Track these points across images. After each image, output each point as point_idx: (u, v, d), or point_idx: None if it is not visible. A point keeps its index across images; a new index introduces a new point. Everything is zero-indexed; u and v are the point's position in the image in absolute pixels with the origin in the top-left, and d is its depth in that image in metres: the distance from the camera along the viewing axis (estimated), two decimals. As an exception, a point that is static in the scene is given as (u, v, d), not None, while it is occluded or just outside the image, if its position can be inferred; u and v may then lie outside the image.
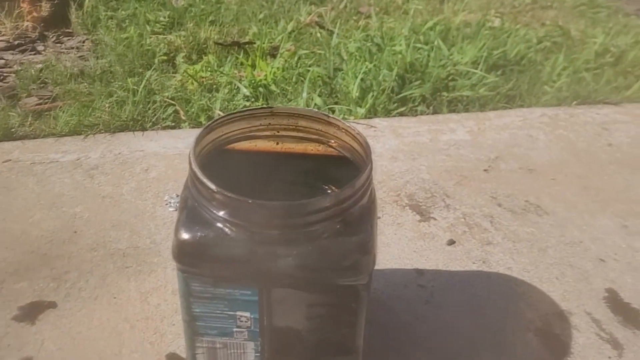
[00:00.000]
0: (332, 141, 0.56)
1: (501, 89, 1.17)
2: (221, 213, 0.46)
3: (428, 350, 0.62)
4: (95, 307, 0.66)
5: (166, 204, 0.82)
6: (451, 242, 0.76)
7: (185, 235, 0.47)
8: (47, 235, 0.77)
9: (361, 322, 0.52)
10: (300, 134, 0.57)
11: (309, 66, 1.22)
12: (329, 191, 0.57)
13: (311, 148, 0.58)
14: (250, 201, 0.44)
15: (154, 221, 0.79)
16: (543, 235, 0.79)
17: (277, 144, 0.58)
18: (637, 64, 1.32)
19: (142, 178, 0.87)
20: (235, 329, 0.52)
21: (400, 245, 0.76)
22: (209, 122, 0.54)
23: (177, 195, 0.84)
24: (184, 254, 0.48)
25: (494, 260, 0.75)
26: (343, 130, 0.54)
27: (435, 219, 0.82)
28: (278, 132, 0.57)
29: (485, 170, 0.93)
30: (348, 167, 0.55)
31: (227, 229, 0.47)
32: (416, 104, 1.12)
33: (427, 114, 1.10)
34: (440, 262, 0.74)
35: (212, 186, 0.46)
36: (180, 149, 0.96)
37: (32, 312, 0.66)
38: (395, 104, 1.11)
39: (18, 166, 0.89)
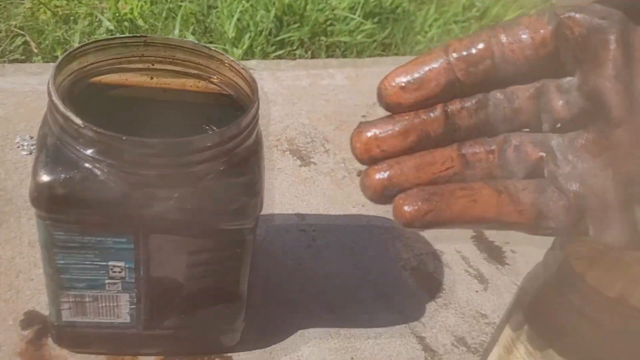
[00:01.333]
0: (214, 77, 0.52)
1: (377, 36, 1.17)
2: (89, 152, 0.41)
3: (310, 294, 0.62)
4: None
5: (18, 147, 0.73)
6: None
7: (46, 178, 0.41)
8: None
9: (246, 267, 0.50)
10: (178, 68, 0.52)
11: (181, 1, 1.14)
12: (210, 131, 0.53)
13: (190, 84, 0.53)
14: (124, 138, 0.39)
15: (4, 166, 0.70)
16: (418, 179, 0.82)
17: (152, 78, 0.52)
18: (499, 18, 1.39)
19: (-12, 117, 0.76)
20: (107, 281, 0.47)
21: (281, 190, 0.75)
22: (72, 49, 0.47)
23: (31, 138, 0.74)
24: (45, 199, 0.42)
25: (371, 204, 0.75)
26: (227, 65, 0.50)
27: (315, 164, 0.81)
28: (152, 64, 0.52)
29: (363, 116, 0.93)
30: (231, 106, 0.51)
31: (96, 170, 0.41)
32: (295, 47, 1.10)
33: (306, 58, 1.08)
34: (321, 207, 0.73)
35: (78, 121, 0.40)
36: (32, 85, 0.84)
37: None
38: (274, 47, 1.07)
39: None
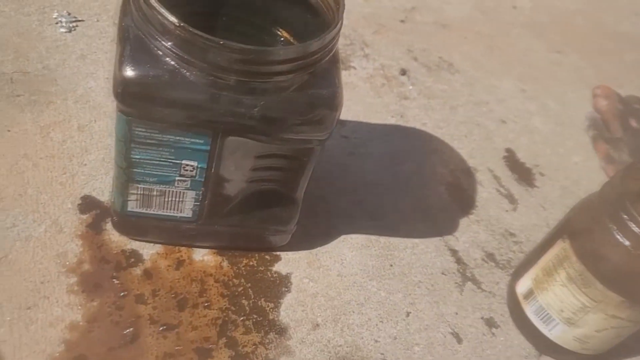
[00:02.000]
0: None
1: None
2: (179, 51, 0.40)
3: (353, 202, 0.64)
4: (-14, 140, 0.57)
5: (56, 24, 0.70)
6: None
7: (132, 73, 0.41)
8: None
9: (307, 176, 0.51)
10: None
11: None
12: (279, 35, 0.51)
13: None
14: (221, 42, 0.39)
15: (44, 42, 0.68)
16: (454, 93, 0.82)
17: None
18: None
19: (21, -14, 0.73)
20: (177, 178, 0.48)
21: (322, 94, 0.74)
22: None
23: (69, 14, 0.71)
24: (130, 95, 0.41)
25: (410, 115, 0.76)
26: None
27: (355, 68, 0.80)
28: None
29: (402, 20, 0.91)
30: (299, 6, 0.50)
31: (184, 70, 0.41)
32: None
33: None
34: (361, 114, 0.74)
35: (173, 19, 0.39)
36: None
37: None
38: None
39: None
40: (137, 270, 0.52)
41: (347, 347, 0.53)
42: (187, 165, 0.47)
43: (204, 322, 0.51)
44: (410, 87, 0.80)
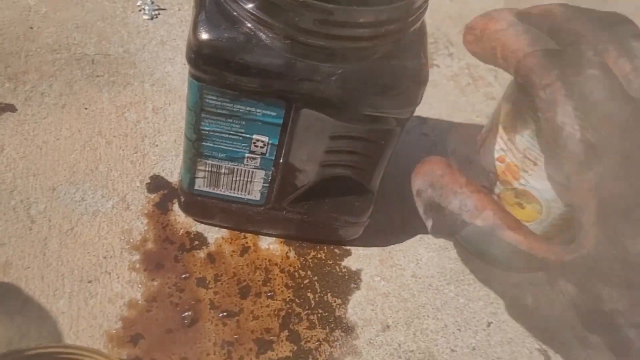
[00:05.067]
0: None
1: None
2: (258, 12, 0.38)
3: (430, 199, 0.59)
4: (63, 116, 0.57)
5: (139, 11, 0.71)
6: None
7: (206, 35, 0.39)
8: (-4, 26, 0.64)
9: (384, 162, 0.47)
10: None
11: None
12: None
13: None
14: (301, -1, 0.36)
15: (126, 28, 0.68)
16: (546, 97, 0.76)
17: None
18: None
19: (109, -24, 0.74)
20: (247, 154, 0.45)
21: (402, 90, 0.71)
22: None
23: (152, 2, 0.72)
24: (204, 58, 0.39)
25: (497, 116, 0.71)
26: None
27: (438, 67, 0.76)
28: None
29: (490, 22, 0.86)
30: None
31: (261, 33, 0.38)
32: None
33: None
34: (443, 112, 0.69)
35: (252, -26, 0.36)
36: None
37: (-15, 113, 0.56)
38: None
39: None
40: (201, 254, 0.50)
41: (419, 353, 0.48)
42: (258, 140, 0.44)
43: (266, 312, 0.47)
44: (498, 88, 0.74)
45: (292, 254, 0.52)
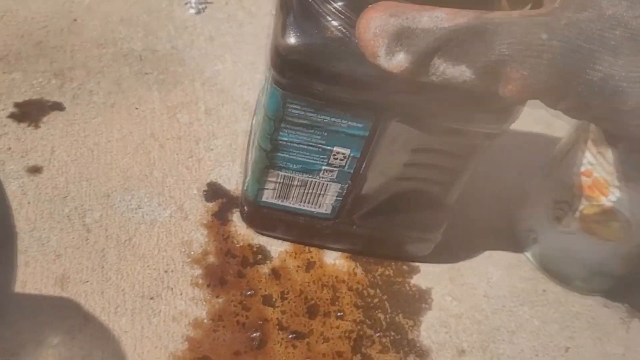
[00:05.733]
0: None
1: None
2: (351, 13, 0.34)
3: (499, 215, 0.56)
4: (113, 116, 0.54)
5: (185, 4, 0.67)
6: None
7: (296, 39, 0.35)
8: (39, 19, 0.61)
9: (465, 178, 0.44)
10: None
11: None
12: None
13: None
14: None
15: (173, 22, 0.65)
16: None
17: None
18: None
19: (153, -34, 0.70)
20: (324, 167, 0.42)
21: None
22: None
23: (199, -5, 0.69)
24: (292, 64, 0.36)
25: (558, 125, 0.68)
26: None
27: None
28: None
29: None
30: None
31: (355, 39, 0.35)
32: None
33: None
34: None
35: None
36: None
37: (33, 111, 0.53)
38: None
39: None
40: (265, 269, 0.47)
41: (497, 380, 0.45)
42: (339, 153, 0.41)
43: (336, 334, 0.45)
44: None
45: (359, 271, 0.49)
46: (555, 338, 0.48)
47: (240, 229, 0.49)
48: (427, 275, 0.50)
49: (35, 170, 0.49)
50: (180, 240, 0.47)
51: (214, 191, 0.51)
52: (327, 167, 0.42)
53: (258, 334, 0.43)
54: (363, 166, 0.42)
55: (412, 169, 0.43)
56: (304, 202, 0.45)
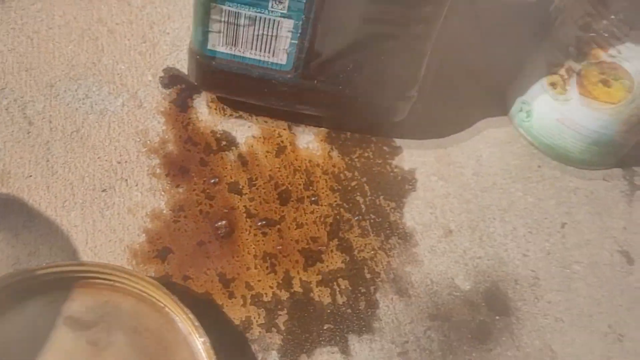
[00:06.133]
0: None
1: None
2: None
3: (489, 88, 0.51)
4: (54, 1, 0.48)
5: None
6: None
7: None
8: None
9: (436, 25, 0.38)
10: None
11: None
12: None
13: None
14: None
15: None
16: None
17: None
18: None
19: None
20: (271, -3, 0.36)
21: None
22: None
23: None
24: None
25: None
26: None
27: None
28: None
29: None
30: None
31: None
32: None
33: None
34: (493, -10, 0.60)
35: None
36: None
37: (-38, -1, 0.47)
38: None
39: None
40: (231, 155, 0.43)
41: (488, 259, 0.42)
42: None
43: (310, 219, 0.41)
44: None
45: (335, 154, 0.44)
46: (551, 214, 0.45)
47: (202, 116, 0.44)
48: (411, 156, 0.46)
49: (-33, 61, 0.44)
50: (135, 129, 0.42)
51: (171, 77, 0.46)
52: (274, -2, 0.36)
53: (224, 222, 0.39)
54: (315, -4, 0.36)
55: (377, 6, 0.37)
56: (256, 49, 0.39)
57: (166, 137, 0.43)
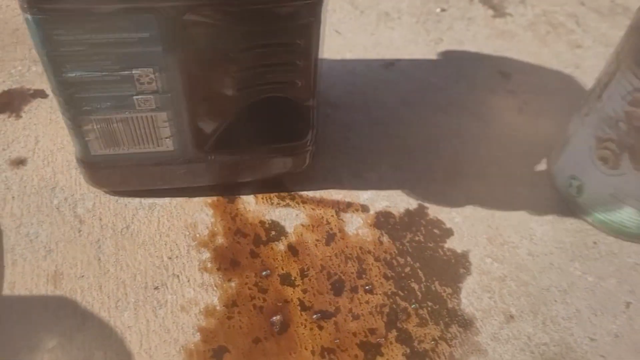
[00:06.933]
0: None
1: None
2: None
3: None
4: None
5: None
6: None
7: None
8: (14, 6, 0.57)
9: (311, 67, 0.38)
10: None
11: None
12: None
13: None
14: None
15: None
16: (636, 41, 0.66)
17: None
18: None
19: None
20: (136, 96, 0.36)
21: (476, 44, 0.62)
22: None
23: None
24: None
25: (587, 65, 0.62)
26: None
27: (512, 16, 0.67)
28: None
29: (557, -36, 0.77)
30: None
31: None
32: None
33: None
34: (526, 66, 0.60)
35: None
36: None
37: (13, 101, 0.48)
38: None
39: None
40: (280, 245, 0.42)
41: (554, 345, 0.40)
42: (142, 75, 0.35)
43: (366, 309, 0.40)
44: (582, 34, 0.65)
45: (385, 239, 0.44)
46: (614, 294, 0.43)
47: (249, 206, 0.44)
48: (462, 238, 0.45)
49: (18, 162, 0.44)
50: (184, 222, 0.42)
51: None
52: (139, 96, 0.36)
53: (279, 317, 0.38)
54: (181, 83, 0.36)
55: (247, 73, 0.37)
56: (139, 144, 0.39)
57: (215, 229, 0.42)
